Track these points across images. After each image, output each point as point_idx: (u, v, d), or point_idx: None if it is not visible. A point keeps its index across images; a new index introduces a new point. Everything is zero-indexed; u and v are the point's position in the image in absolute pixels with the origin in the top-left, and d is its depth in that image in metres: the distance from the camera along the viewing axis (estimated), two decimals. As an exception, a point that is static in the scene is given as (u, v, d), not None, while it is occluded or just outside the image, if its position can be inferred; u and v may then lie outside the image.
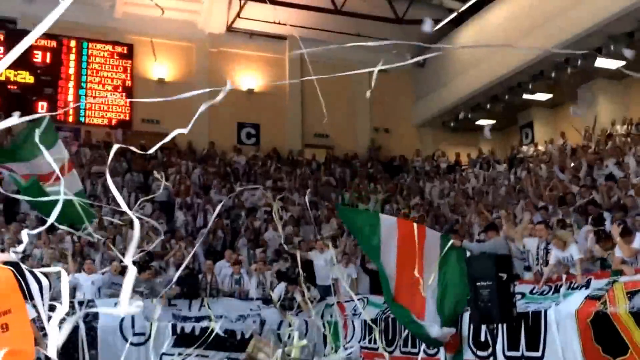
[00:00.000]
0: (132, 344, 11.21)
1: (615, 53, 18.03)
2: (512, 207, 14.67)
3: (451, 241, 8.86)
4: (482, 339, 8.70)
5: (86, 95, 21.04)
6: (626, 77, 20.78)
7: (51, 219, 3.55)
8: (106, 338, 11.14)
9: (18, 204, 15.94)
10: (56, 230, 13.24)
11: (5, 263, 3.62)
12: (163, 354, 10.96)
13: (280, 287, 12.84)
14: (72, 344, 10.83)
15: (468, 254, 9.27)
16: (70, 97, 20.90)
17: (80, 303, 11.27)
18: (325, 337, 11.78)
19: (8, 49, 20.31)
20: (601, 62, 19.12)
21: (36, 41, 18.99)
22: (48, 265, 12.09)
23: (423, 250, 8.31)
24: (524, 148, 22.33)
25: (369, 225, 8.67)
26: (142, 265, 12.53)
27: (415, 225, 8.86)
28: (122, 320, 11.24)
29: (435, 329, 8.46)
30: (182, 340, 11.48)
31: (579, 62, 18.82)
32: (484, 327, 8.58)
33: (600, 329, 7.08)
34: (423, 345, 9.61)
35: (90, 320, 11.25)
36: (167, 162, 19.58)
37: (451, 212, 17.26)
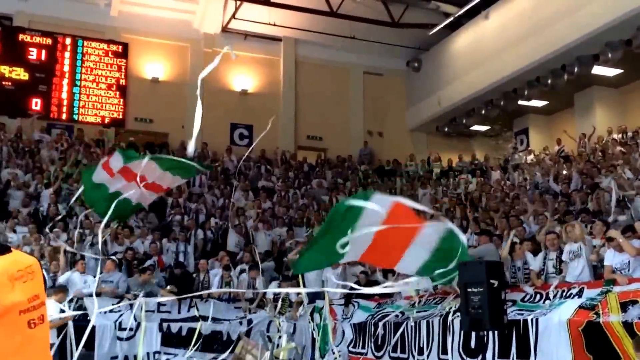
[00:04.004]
0: (119, 338, 11.16)
1: (612, 60, 17.95)
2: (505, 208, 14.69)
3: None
4: (472, 345, 8.64)
5: (80, 93, 21.00)
6: (623, 85, 20.74)
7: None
8: (100, 336, 11.10)
9: (9, 200, 15.79)
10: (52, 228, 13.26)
11: None
12: (149, 352, 10.89)
13: (273, 285, 12.81)
14: (63, 343, 10.75)
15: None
16: (65, 95, 20.87)
17: (71, 301, 11.19)
18: (314, 340, 11.72)
19: (4, 45, 20.40)
20: (598, 70, 19.05)
21: (31, 38, 18.99)
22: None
23: (415, 236, 7.23)
24: (516, 155, 22.24)
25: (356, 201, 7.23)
26: (142, 267, 12.49)
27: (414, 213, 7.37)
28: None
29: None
30: (169, 340, 11.45)
31: (576, 69, 18.68)
32: (473, 334, 8.52)
33: (592, 339, 7.01)
34: (414, 351, 9.54)
35: (81, 319, 11.16)
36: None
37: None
